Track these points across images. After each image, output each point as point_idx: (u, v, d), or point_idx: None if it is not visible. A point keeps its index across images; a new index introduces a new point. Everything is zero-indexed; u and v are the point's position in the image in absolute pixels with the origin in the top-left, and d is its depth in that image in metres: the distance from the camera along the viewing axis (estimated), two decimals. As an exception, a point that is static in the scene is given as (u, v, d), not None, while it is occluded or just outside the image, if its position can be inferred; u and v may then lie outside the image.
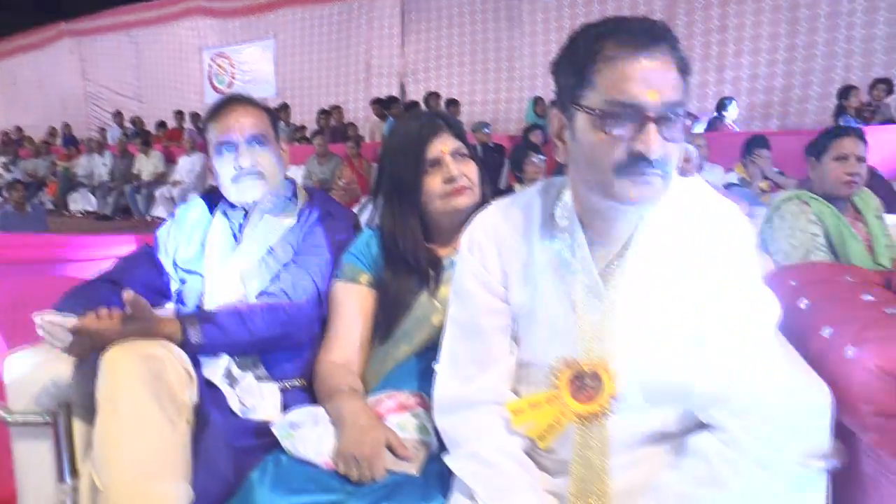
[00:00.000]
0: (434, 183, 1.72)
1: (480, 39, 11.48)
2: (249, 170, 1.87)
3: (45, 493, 1.66)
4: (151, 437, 1.42)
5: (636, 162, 1.15)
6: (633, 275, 1.28)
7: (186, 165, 10.52)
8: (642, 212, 1.26)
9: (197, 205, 2.04)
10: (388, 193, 1.80)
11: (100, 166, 11.92)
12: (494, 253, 1.38)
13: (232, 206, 1.95)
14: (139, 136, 12.25)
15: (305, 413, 1.60)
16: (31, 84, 16.93)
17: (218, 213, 1.97)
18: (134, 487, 1.37)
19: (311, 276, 1.81)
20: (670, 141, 1.15)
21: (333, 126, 10.68)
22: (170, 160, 11.20)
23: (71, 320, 1.52)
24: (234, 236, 1.93)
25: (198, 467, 1.48)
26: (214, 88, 13.97)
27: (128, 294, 1.53)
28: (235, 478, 1.47)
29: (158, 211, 10.44)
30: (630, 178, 1.16)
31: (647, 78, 1.13)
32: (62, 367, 1.62)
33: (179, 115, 12.98)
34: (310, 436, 1.55)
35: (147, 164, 11.19)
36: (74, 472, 1.63)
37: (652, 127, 1.13)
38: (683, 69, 1.18)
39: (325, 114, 11.02)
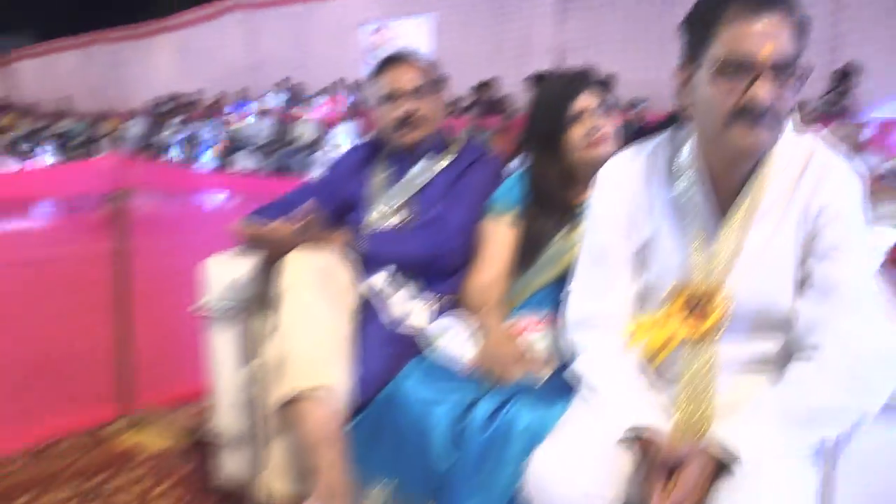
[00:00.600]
0: (576, 134, 1.91)
1: (641, 18, 11.40)
2: (413, 118, 2.13)
3: (232, 373, 1.99)
4: (323, 324, 1.71)
5: (746, 112, 1.30)
6: (747, 214, 1.43)
7: (342, 132, 11.06)
8: (755, 159, 1.41)
9: (363, 147, 2.32)
10: (533, 143, 2.01)
11: (262, 129, 12.70)
12: (624, 191, 1.57)
13: (393, 150, 2.21)
14: (299, 103, 12.96)
15: (452, 323, 1.85)
16: (203, 53, 18.09)
17: (380, 157, 2.24)
18: (310, 360, 1.66)
19: (461, 213, 2.05)
20: (780, 94, 1.30)
21: (488, 99, 10.94)
22: (327, 126, 11.80)
23: (263, 228, 1.83)
24: (394, 177, 2.19)
25: (355, 362, 1.76)
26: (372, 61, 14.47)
27: (306, 208, 1.82)
28: (386, 375, 1.74)
29: (314, 173, 11.05)
30: (741, 127, 1.32)
31: (762, 35, 1.28)
32: (251, 269, 1.94)
33: (340, 83, 13.57)
34: (454, 342, 1.81)
35: (305, 130, 11.85)
36: (254, 356, 1.95)
37: (763, 79, 1.29)
38: (800, 30, 1.32)
39: (480, 87, 11.27)
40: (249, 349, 1.95)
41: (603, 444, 1.40)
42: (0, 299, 2.69)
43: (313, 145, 11.46)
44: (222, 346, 2.03)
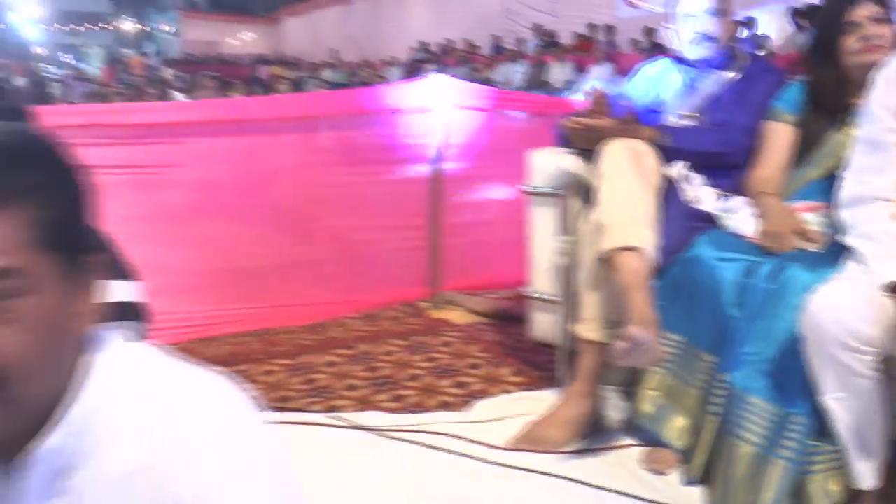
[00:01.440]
0: (849, 42, 2.12)
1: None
2: (704, 34, 2.42)
3: (549, 244, 2.44)
4: (636, 197, 2.08)
5: None
6: None
7: (596, 74, 11.30)
8: None
9: (659, 63, 2.64)
10: (813, 51, 2.25)
11: (515, 74, 13.24)
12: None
13: (687, 63, 2.51)
14: (553, 46, 13.34)
15: (738, 202, 2.17)
16: (456, 2, 18.89)
17: (676, 69, 2.56)
18: (625, 224, 2.04)
19: (748, 116, 2.33)
20: None
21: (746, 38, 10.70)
22: (579, 70, 12.09)
23: (586, 121, 2.22)
24: (689, 87, 2.50)
25: (659, 232, 2.12)
26: (627, 2, 14.47)
27: (594, 91, 2.19)
28: (683, 244, 2.09)
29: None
30: None
31: None
32: (568, 160, 2.36)
33: (592, 27, 13.79)
34: (740, 220, 2.12)
35: (558, 73, 12.22)
36: (569, 230, 2.38)
37: None
38: None
39: (739, 23, 11.02)
40: (567, 224, 2.38)
41: (870, 292, 1.64)
42: (339, 201, 3.35)
43: (566, 89, 11.79)
44: (541, 223, 2.48)
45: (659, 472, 2.05)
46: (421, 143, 3.45)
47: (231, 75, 13.92)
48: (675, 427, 2.07)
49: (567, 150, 2.39)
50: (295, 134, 3.30)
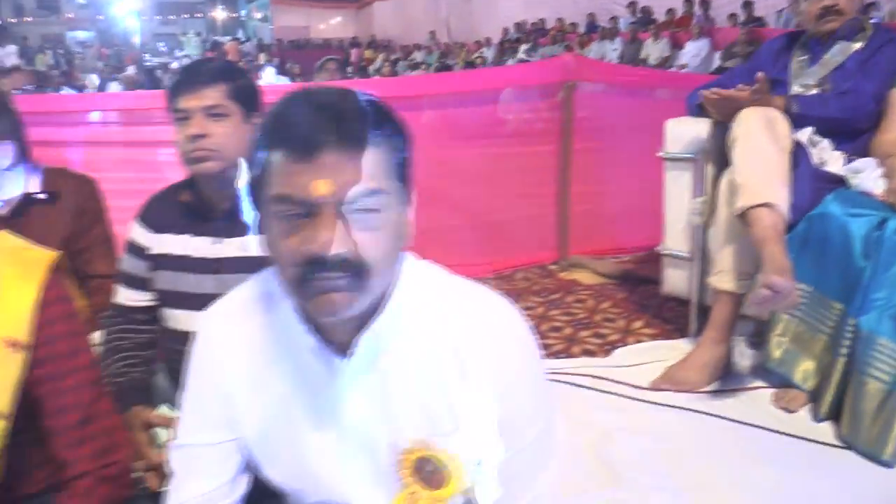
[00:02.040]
0: None
1: None
2: (830, 8, 2.60)
3: (683, 206, 2.69)
4: (769, 157, 2.30)
5: None
6: None
7: (692, 50, 11.30)
8: None
9: (781, 38, 2.83)
10: None
11: (610, 51, 13.29)
12: None
13: (811, 37, 2.70)
14: (649, 23, 13.33)
15: (865, 163, 2.36)
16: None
17: (799, 44, 2.74)
18: (759, 183, 2.26)
19: (873, 84, 2.51)
20: None
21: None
22: (676, 45, 12.08)
23: (727, 91, 2.44)
24: (813, 59, 2.69)
25: (790, 191, 2.33)
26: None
27: (759, 76, 2.40)
28: (813, 202, 2.29)
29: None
30: None
31: None
32: (703, 127, 2.59)
33: (688, 1, 13.68)
34: (868, 178, 2.32)
35: (654, 49, 12.23)
36: (703, 192, 2.62)
37: None
38: None
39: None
40: (702, 186, 2.62)
41: None
42: (474, 172, 3.66)
43: (663, 65, 11.81)
44: (676, 186, 2.72)
45: (789, 410, 2.28)
46: (550, 117, 3.71)
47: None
48: (804, 369, 2.30)
49: (701, 118, 2.62)
50: (431, 111, 3.60)
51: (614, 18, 14.88)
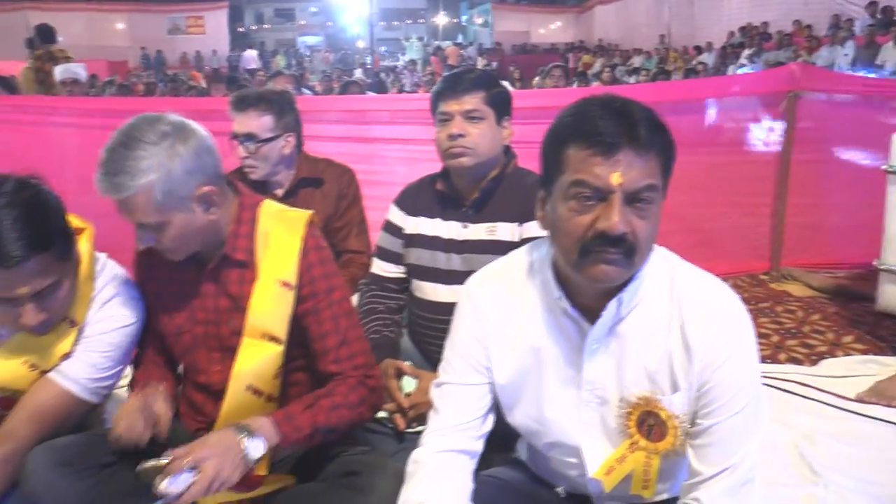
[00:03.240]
0: None
1: None
2: None
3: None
4: None
5: None
6: None
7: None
8: None
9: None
10: None
11: (841, 56, 12.50)
12: None
13: None
14: (890, 25, 12.38)
15: None
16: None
17: None
18: None
19: None
20: None
21: None
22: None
23: None
24: None
25: None
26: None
27: None
28: None
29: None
30: None
31: None
32: None
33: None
34: None
35: (893, 55, 11.36)
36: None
37: None
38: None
39: None
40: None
41: None
42: (687, 179, 3.73)
43: (902, 72, 11.01)
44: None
45: None
46: (770, 127, 3.72)
47: (541, 64, 14.59)
48: None
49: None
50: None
51: (850, 20, 13.99)
